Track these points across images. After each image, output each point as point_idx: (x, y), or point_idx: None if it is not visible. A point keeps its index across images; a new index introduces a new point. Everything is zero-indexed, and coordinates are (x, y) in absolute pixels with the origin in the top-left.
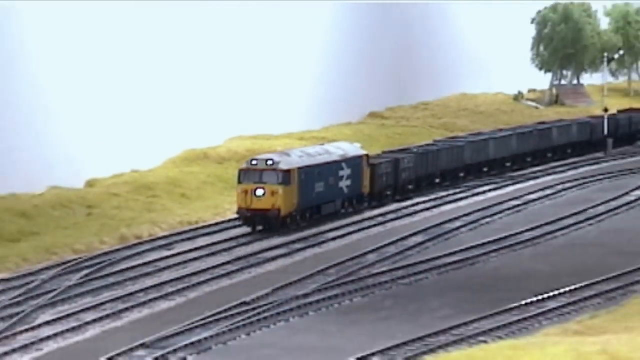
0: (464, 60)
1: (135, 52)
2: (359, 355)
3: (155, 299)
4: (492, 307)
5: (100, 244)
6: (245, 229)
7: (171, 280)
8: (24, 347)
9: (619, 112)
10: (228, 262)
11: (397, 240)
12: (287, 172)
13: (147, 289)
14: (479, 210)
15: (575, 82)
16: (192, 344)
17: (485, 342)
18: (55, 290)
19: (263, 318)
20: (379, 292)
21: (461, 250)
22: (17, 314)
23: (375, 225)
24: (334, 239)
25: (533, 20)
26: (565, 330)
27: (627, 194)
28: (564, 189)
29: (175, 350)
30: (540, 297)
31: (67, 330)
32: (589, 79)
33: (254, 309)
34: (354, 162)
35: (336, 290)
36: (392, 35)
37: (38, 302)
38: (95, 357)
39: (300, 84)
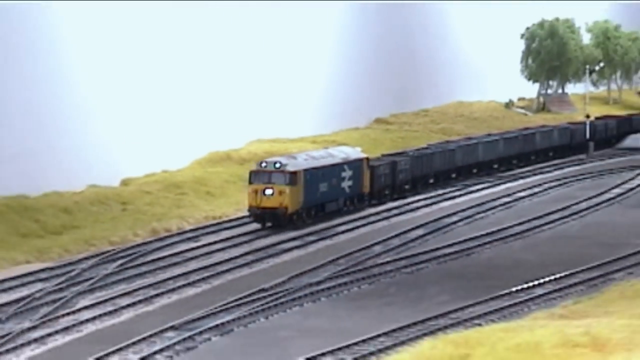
0: (461, 72)
1: (167, 62)
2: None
3: (183, 285)
4: (486, 294)
5: (134, 236)
6: None
7: (197, 269)
8: (66, 329)
9: (597, 118)
10: (248, 253)
11: (400, 233)
12: (294, 174)
13: (175, 276)
14: (473, 207)
15: (560, 91)
16: (216, 326)
17: (479, 324)
18: (93, 278)
19: (280, 303)
20: (383, 279)
21: (458, 242)
22: (60, 299)
23: (380, 220)
24: (343, 232)
25: (522, 36)
26: (551, 314)
27: (607, 191)
28: (550, 187)
29: (201, 332)
30: (529, 285)
31: (104, 314)
32: (572, 89)
33: (271, 295)
34: (355, 164)
35: (345, 278)
36: (396, 48)
37: (78, 289)
38: (129, 338)
39: (312, 93)
